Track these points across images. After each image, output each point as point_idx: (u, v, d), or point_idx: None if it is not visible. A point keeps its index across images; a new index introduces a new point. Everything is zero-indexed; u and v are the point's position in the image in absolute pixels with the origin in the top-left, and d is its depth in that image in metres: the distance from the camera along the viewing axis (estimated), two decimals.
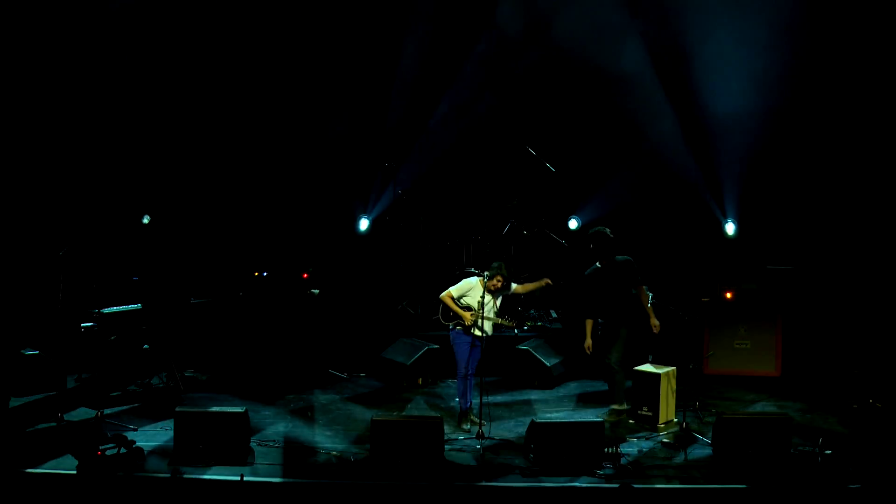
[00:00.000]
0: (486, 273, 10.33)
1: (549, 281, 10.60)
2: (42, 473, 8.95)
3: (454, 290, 10.42)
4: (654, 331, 10.75)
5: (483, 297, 10.26)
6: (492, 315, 10.34)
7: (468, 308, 10.35)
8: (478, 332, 10.34)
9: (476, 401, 10.36)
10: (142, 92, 13.37)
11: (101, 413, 10.18)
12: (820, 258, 13.64)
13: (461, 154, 14.06)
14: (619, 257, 10.74)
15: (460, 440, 10.07)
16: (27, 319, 12.00)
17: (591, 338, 10.68)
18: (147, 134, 13.57)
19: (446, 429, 9.84)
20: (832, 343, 12.90)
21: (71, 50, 12.94)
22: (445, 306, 10.47)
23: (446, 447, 9.62)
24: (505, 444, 9.98)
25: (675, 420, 10.76)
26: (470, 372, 10.46)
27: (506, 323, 10.38)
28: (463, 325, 10.34)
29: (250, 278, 13.08)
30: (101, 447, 9.60)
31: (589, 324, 10.75)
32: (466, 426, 10.38)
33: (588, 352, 10.75)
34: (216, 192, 13.93)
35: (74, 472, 8.64)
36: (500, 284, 10.32)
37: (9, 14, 12.64)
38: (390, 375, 12.45)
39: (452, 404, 11.39)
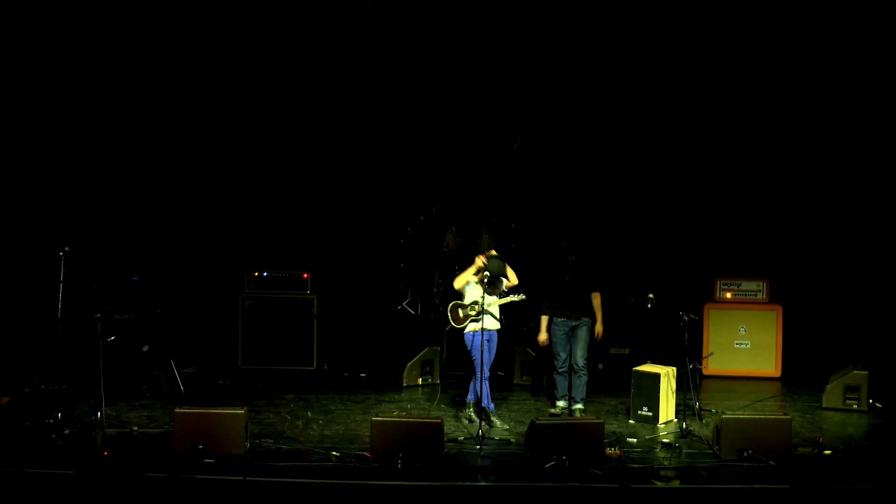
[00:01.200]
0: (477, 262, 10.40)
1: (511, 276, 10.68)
2: (42, 473, 8.94)
3: (460, 277, 10.56)
4: (597, 337, 11.09)
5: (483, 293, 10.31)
6: (495, 298, 10.40)
7: (472, 304, 10.41)
8: (490, 326, 10.35)
9: (472, 399, 10.39)
10: (144, 91, 13.36)
11: (102, 413, 10.18)
12: (820, 257, 13.64)
13: (457, 152, 14.05)
14: (589, 258, 11.03)
15: (460, 440, 10.06)
16: (27, 320, 12.00)
17: (547, 332, 11.03)
18: (147, 133, 13.56)
19: (446, 429, 9.85)
20: (832, 343, 12.91)
21: (72, 48, 12.93)
22: (454, 307, 10.49)
23: (446, 447, 9.61)
24: (505, 444, 9.98)
25: (675, 420, 10.76)
26: (486, 374, 10.49)
27: (515, 298, 10.44)
28: (474, 321, 10.34)
29: (249, 278, 13.06)
30: (100, 447, 9.63)
31: (544, 319, 11.04)
32: (503, 425, 10.45)
33: (541, 345, 11.12)
34: (216, 191, 13.91)
35: (74, 472, 8.64)
36: (493, 256, 10.41)
37: (8, 14, 12.65)
38: (390, 375, 12.45)
39: (454, 405, 11.41)
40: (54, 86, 12.98)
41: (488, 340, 10.46)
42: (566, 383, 10.99)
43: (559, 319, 11.02)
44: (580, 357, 10.94)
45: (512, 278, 10.53)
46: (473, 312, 10.43)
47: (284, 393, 11.87)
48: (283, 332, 12.88)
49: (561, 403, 11.00)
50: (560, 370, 11.03)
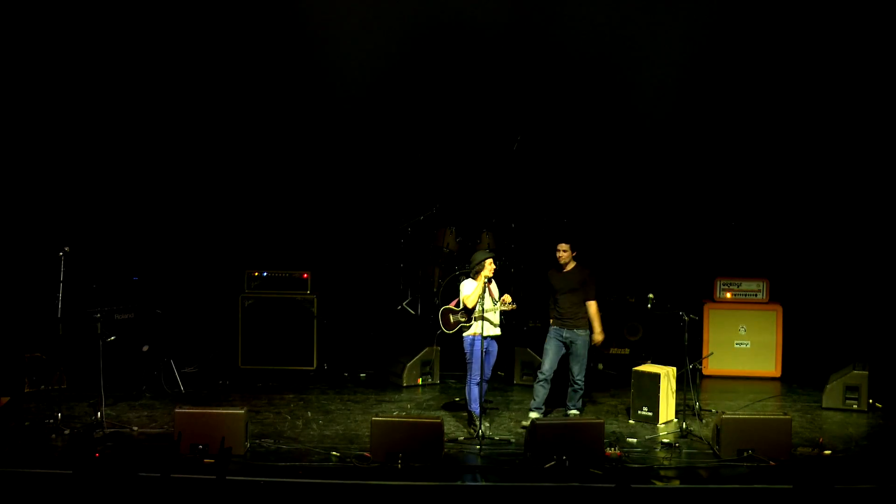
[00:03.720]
0: (483, 273, 10.27)
1: (508, 298, 10.44)
2: (42, 473, 8.95)
3: (466, 295, 10.32)
4: (595, 343, 10.63)
5: (483, 296, 10.21)
6: (492, 305, 10.29)
7: (473, 310, 10.32)
8: (491, 332, 10.26)
9: (474, 408, 10.35)
10: (144, 91, 13.36)
11: (101, 413, 10.18)
12: (820, 257, 13.65)
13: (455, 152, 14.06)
14: (582, 265, 10.67)
15: (460, 440, 10.06)
16: (27, 320, 12.00)
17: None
18: (147, 132, 13.56)
19: (446, 429, 9.85)
20: (832, 343, 12.91)
21: (72, 48, 12.93)
22: (445, 312, 10.43)
23: (446, 447, 9.61)
24: (505, 445, 9.98)
25: (675, 420, 10.76)
26: (485, 377, 10.40)
27: (507, 306, 10.34)
28: (473, 325, 10.27)
29: (249, 278, 13.04)
30: (99, 447, 9.63)
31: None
32: (484, 432, 10.13)
33: None
34: (216, 191, 13.90)
35: (73, 471, 8.63)
36: (493, 267, 10.28)
37: (8, 14, 12.65)
38: (390, 375, 12.45)
39: (454, 403, 11.42)
40: (54, 86, 12.97)
41: (487, 348, 10.28)
42: (545, 393, 10.56)
43: (552, 327, 10.66)
44: (577, 373, 10.55)
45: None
46: (464, 319, 10.36)
47: (284, 393, 11.86)
48: (283, 332, 12.86)
49: (533, 415, 10.51)
50: (540, 378, 10.57)
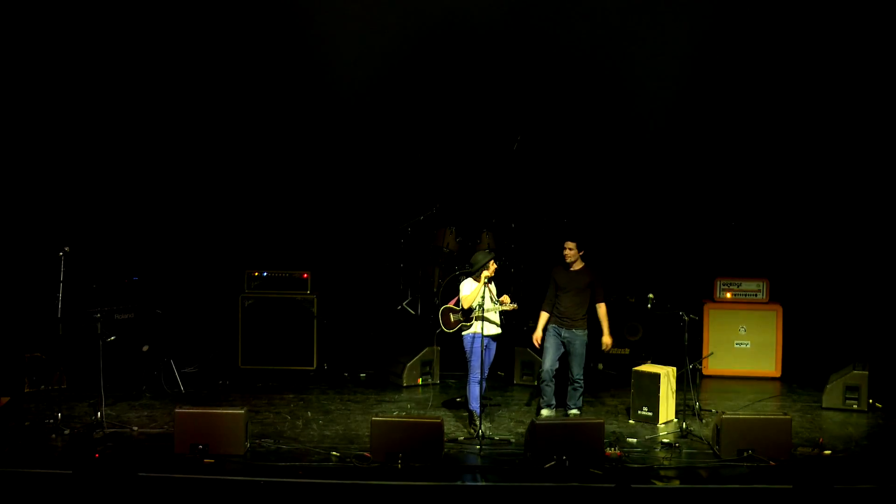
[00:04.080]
0: (483, 273, 10.26)
1: (507, 299, 10.46)
2: (42, 473, 8.94)
3: (464, 296, 10.32)
4: (604, 348, 10.75)
5: (483, 296, 10.22)
6: (492, 305, 10.30)
7: (472, 310, 10.31)
8: (491, 331, 10.27)
9: (475, 408, 10.34)
10: (143, 91, 13.35)
11: (101, 413, 10.18)
12: (820, 257, 13.65)
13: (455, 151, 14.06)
14: (590, 266, 10.71)
15: (460, 440, 10.06)
16: (27, 320, 12.00)
17: (542, 331, 10.68)
18: (146, 133, 13.55)
19: (446, 429, 9.85)
20: (832, 343, 12.91)
21: (72, 48, 12.93)
22: (445, 311, 10.42)
23: (446, 447, 9.61)
24: (505, 444, 9.98)
25: (675, 420, 10.76)
26: (483, 376, 10.40)
27: (508, 306, 10.34)
28: (473, 323, 10.26)
29: (249, 278, 13.04)
30: (99, 447, 9.63)
31: (543, 316, 10.71)
32: (484, 431, 10.16)
33: (536, 344, 10.76)
34: (216, 191, 13.90)
35: (73, 471, 8.63)
36: (495, 266, 10.28)
37: (9, 14, 12.65)
38: (390, 375, 12.45)
39: (454, 402, 11.41)
40: (54, 85, 12.97)
41: (486, 346, 10.30)
42: (552, 391, 10.69)
43: (551, 325, 10.68)
44: (576, 372, 10.61)
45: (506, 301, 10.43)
46: (464, 318, 10.34)
47: (284, 393, 11.86)
48: (283, 332, 12.86)
49: (545, 412, 10.67)
50: (544, 378, 10.65)
